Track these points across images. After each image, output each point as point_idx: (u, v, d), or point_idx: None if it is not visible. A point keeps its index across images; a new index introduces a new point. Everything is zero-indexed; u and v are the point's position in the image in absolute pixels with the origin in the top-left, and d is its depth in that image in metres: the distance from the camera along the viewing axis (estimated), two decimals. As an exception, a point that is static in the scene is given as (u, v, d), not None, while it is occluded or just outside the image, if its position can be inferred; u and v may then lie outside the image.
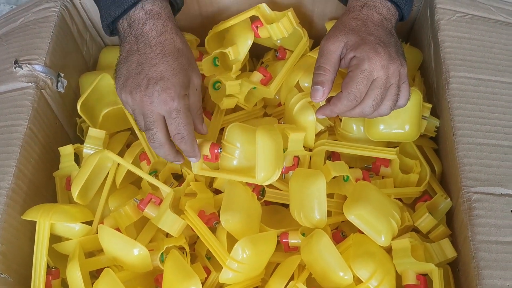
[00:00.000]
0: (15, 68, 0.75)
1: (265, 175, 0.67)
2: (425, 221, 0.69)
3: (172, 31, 0.68)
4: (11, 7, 1.57)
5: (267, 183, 0.69)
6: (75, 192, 0.69)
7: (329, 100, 0.69)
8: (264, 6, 0.78)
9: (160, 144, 0.67)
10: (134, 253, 0.66)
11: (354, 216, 0.65)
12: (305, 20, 0.87)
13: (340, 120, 0.79)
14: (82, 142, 0.86)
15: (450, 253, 0.66)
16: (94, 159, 0.70)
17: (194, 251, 0.74)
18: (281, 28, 0.77)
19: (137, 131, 0.76)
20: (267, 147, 0.67)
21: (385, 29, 0.68)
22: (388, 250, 0.66)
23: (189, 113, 0.66)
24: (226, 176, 0.72)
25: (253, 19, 0.79)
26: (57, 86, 0.78)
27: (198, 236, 0.70)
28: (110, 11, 0.68)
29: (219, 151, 0.71)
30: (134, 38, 0.67)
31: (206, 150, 0.71)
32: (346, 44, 0.66)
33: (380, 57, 0.64)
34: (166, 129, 0.66)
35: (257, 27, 0.79)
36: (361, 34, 0.66)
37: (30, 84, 0.74)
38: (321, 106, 0.70)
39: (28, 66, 0.74)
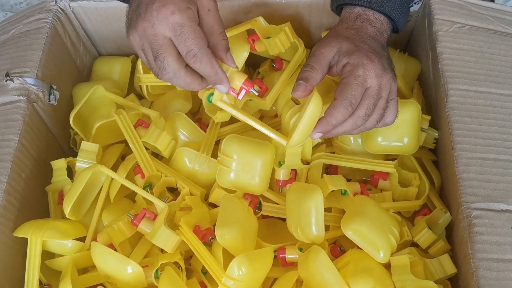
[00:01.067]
0: (6, 81, 0.73)
1: (299, 139, 0.63)
2: (424, 236, 0.68)
3: None
4: (6, 14, 1.56)
5: (297, 145, 0.64)
6: (67, 208, 0.67)
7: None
8: (260, 19, 0.77)
9: (174, 72, 0.59)
10: (128, 270, 0.64)
11: (351, 231, 0.64)
12: (301, 30, 0.86)
13: (338, 132, 0.78)
14: (76, 155, 0.85)
15: (450, 269, 0.65)
16: (86, 174, 0.69)
17: (190, 265, 0.73)
18: (278, 43, 0.75)
19: (130, 144, 0.75)
20: (314, 115, 0.61)
21: (378, 42, 0.67)
22: (387, 266, 0.65)
23: (198, 27, 0.58)
24: (248, 121, 0.65)
25: (250, 32, 0.78)
26: (49, 98, 0.77)
27: (194, 251, 0.69)
28: None
29: (252, 90, 0.63)
30: None
31: (237, 83, 0.62)
32: (339, 50, 0.65)
33: (374, 65, 0.63)
34: (177, 53, 0.59)
35: (253, 40, 0.78)
36: (355, 42, 0.65)
37: (21, 97, 0.73)
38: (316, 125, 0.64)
39: (20, 79, 0.73)
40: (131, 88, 0.91)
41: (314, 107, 0.61)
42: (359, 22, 0.68)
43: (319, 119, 0.64)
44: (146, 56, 0.61)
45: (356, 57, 0.63)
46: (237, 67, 0.63)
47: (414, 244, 0.71)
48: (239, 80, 0.63)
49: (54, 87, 0.78)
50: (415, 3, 0.79)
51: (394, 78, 0.65)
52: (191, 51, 0.58)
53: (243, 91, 0.64)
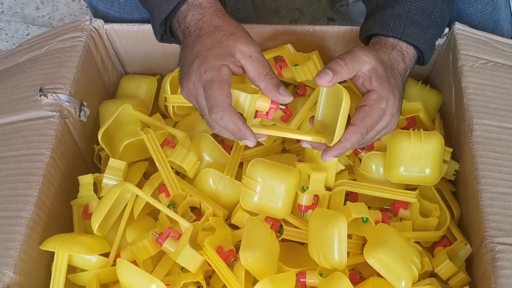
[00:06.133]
0: (40, 96, 0.75)
1: (340, 136, 0.63)
2: (445, 267, 0.69)
3: (211, 14, 0.65)
4: (28, 26, 1.59)
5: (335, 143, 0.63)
6: (95, 224, 0.69)
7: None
8: (289, 47, 0.79)
9: (220, 128, 0.63)
10: (152, 289, 0.65)
11: (374, 260, 0.65)
12: (327, 58, 0.87)
13: (360, 160, 0.79)
14: (99, 170, 0.87)
15: (471, 302, 0.66)
16: (115, 192, 0.70)
17: (209, 285, 0.73)
18: (306, 71, 0.77)
19: (156, 163, 0.76)
20: (347, 109, 0.62)
21: (402, 81, 0.69)
22: (408, 295, 0.65)
23: (226, 84, 0.60)
24: (287, 135, 0.67)
25: (277, 58, 0.80)
26: (79, 115, 0.78)
27: (213, 271, 0.70)
28: (163, 8, 0.67)
29: (280, 106, 0.64)
30: (182, 35, 0.67)
31: (265, 105, 0.64)
32: (374, 69, 0.65)
33: (394, 104, 0.65)
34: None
35: (281, 67, 0.79)
36: (388, 72, 0.67)
37: (54, 113, 0.74)
38: (327, 149, 0.64)
39: (53, 95, 0.75)
40: (155, 107, 0.93)
41: (346, 101, 0.61)
42: (395, 54, 0.69)
43: (332, 147, 0.64)
44: (199, 110, 0.65)
45: (384, 89, 0.64)
46: (290, 97, 0.63)
47: (433, 275, 0.72)
48: (265, 103, 0.64)
49: (85, 103, 0.79)
50: (440, 37, 0.81)
51: (396, 122, 0.67)
52: (213, 108, 0.60)
53: (272, 111, 0.65)
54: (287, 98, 0.62)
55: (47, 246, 0.68)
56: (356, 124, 0.63)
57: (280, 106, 0.64)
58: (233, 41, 0.63)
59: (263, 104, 0.64)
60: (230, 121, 0.60)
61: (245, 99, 0.63)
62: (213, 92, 0.60)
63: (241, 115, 0.63)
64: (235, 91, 0.63)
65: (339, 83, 0.64)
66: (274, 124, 0.81)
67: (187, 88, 0.64)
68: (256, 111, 0.65)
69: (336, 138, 0.62)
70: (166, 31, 0.71)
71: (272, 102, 0.64)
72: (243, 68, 0.64)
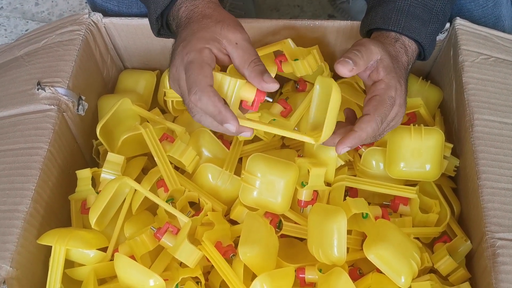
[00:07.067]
0: (37, 90, 0.75)
1: (328, 134, 0.61)
2: (445, 263, 0.69)
3: (203, 5, 0.65)
4: (27, 22, 1.58)
5: (323, 141, 0.62)
6: (93, 219, 0.68)
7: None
8: (289, 41, 0.78)
9: (200, 114, 0.60)
10: (150, 283, 0.65)
11: (374, 255, 0.64)
12: (327, 54, 0.87)
13: (360, 156, 0.79)
14: (97, 165, 0.86)
15: (471, 298, 0.65)
16: (113, 186, 0.69)
17: (207, 280, 0.73)
18: (306, 66, 0.77)
19: (155, 157, 0.76)
20: (337, 106, 0.60)
21: (406, 73, 0.69)
22: (407, 291, 0.65)
23: (207, 65, 0.58)
24: (271, 129, 0.63)
25: (277, 53, 0.80)
26: (78, 109, 0.78)
27: (212, 266, 0.69)
28: (158, 2, 0.66)
29: (266, 98, 0.61)
30: (176, 28, 0.67)
31: (249, 96, 0.60)
32: (382, 60, 0.64)
33: (401, 93, 0.65)
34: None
35: (280, 61, 0.79)
36: (394, 63, 0.67)
37: (52, 107, 0.74)
38: (342, 139, 0.62)
39: (51, 88, 0.74)
40: (154, 102, 0.93)
41: (336, 97, 0.59)
42: (398, 46, 0.69)
43: (348, 133, 0.62)
44: (181, 96, 0.63)
45: (392, 78, 0.64)
46: (275, 84, 0.59)
47: (432, 271, 0.72)
48: (250, 92, 0.61)
49: (83, 97, 0.79)
50: (441, 33, 0.81)
51: (403, 114, 0.67)
52: (191, 88, 0.57)
53: (257, 101, 0.61)
54: (272, 85, 0.59)
55: (45, 240, 0.68)
56: (371, 113, 0.62)
57: (267, 98, 0.61)
58: (219, 27, 0.62)
59: (248, 93, 0.60)
60: (209, 102, 0.57)
61: (229, 84, 0.60)
62: (192, 72, 0.57)
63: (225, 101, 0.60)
64: (218, 74, 0.60)
65: (340, 77, 0.63)
66: (274, 120, 0.81)
67: (171, 74, 0.62)
68: (241, 102, 0.62)
69: (325, 130, 0.60)
70: (163, 26, 0.71)
71: (258, 92, 0.60)
72: (229, 57, 0.62)
